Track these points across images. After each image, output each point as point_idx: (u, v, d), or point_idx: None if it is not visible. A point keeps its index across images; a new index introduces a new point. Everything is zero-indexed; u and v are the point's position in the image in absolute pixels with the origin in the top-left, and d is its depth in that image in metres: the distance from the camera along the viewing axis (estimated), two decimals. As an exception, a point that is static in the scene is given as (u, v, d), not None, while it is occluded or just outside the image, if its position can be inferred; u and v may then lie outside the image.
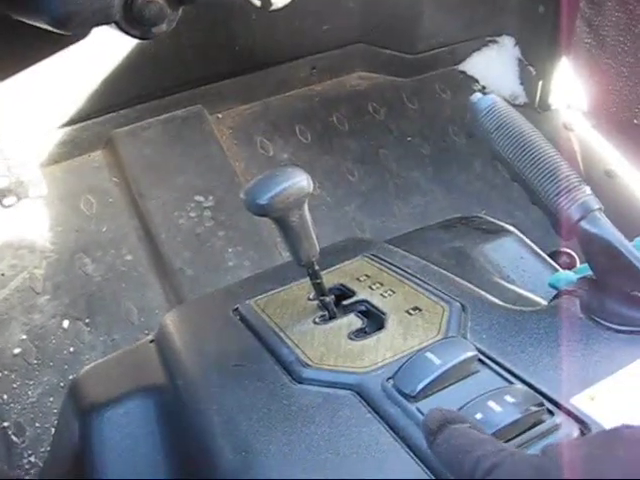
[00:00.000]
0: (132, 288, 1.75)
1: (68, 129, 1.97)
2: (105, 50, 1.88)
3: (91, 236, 1.84)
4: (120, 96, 2.00)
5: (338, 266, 0.88)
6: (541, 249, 1.06)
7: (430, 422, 0.54)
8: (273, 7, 1.26)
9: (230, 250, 1.79)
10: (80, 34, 1.62)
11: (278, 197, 0.69)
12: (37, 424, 1.53)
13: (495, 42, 2.31)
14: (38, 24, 1.14)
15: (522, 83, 2.25)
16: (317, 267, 0.78)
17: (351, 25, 2.22)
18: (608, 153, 2.06)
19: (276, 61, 2.17)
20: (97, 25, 1.13)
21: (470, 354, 0.66)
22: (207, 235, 1.82)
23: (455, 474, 0.50)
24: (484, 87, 2.25)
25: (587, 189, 0.71)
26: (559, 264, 1.09)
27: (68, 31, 1.13)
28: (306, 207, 0.72)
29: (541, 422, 0.59)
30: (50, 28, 1.10)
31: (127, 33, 1.14)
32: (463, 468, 0.49)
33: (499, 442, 0.51)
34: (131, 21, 1.09)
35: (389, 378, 0.66)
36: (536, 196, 0.74)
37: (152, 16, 1.10)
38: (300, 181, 0.71)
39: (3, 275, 1.76)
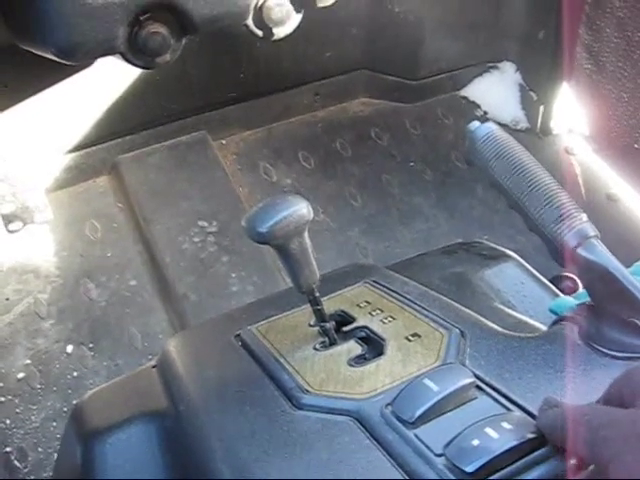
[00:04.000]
0: (136, 313, 1.76)
1: (74, 155, 1.99)
2: (110, 77, 1.90)
3: (96, 261, 1.85)
4: (125, 122, 2.02)
5: (339, 292, 0.88)
6: (543, 274, 1.07)
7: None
8: (275, 37, 1.28)
9: (234, 275, 1.80)
10: (85, 63, 1.64)
11: (278, 225, 0.70)
12: (40, 449, 1.53)
13: (496, 68, 2.34)
14: (44, 54, 1.16)
15: (523, 108, 2.27)
16: (317, 294, 0.78)
17: (354, 52, 2.24)
18: (609, 177, 2.07)
19: (280, 87, 2.19)
20: (102, 56, 1.15)
21: (468, 381, 0.66)
22: (211, 260, 1.83)
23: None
24: (486, 112, 2.27)
25: (584, 216, 0.72)
26: (562, 289, 1.10)
27: (73, 61, 1.14)
28: (306, 234, 0.73)
29: (538, 449, 0.59)
30: (55, 58, 1.12)
31: (131, 63, 1.16)
32: None
33: None
34: (135, 52, 1.11)
35: (388, 404, 0.67)
36: (533, 223, 0.75)
37: (156, 47, 1.11)
38: (300, 209, 0.72)
39: (8, 300, 1.77)
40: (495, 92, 2.30)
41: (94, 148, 2.01)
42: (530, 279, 1.05)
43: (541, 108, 2.21)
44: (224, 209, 1.93)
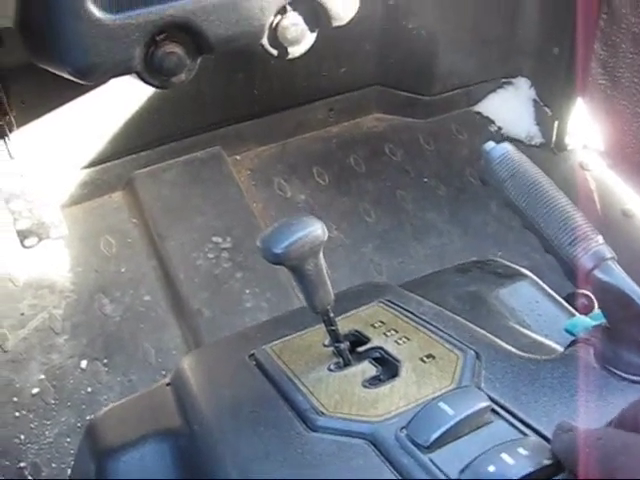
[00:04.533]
0: (150, 329, 1.76)
1: (89, 171, 2.00)
2: (126, 93, 1.92)
3: (110, 276, 1.86)
4: (140, 138, 2.03)
5: (353, 312, 0.88)
6: (558, 292, 1.06)
7: None
8: (290, 56, 1.29)
9: (248, 291, 1.80)
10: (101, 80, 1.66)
11: (293, 246, 0.70)
12: (54, 464, 1.54)
13: (510, 83, 2.33)
14: (61, 74, 1.17)
15: (538, 124, 2.26)
16: (332, 314, 0.78)
17: (368, 68, 2.25)
18: (625, 193, 2.06)
19: (293, 103, 2.20)
20: (118, 75, 1.16)
21: (483, 404, 0.66)
22: (225, 276, 1.83)
23: None
24: (500, 128, 2.27)
25: (600, 238, 0.72)
26: (577, 306, 1.09)
27: (89, 81, 1.15)
28: (321, 255, 0.73)
29: (554, 476, 0.59)
30: (72, 78, 1.13)
31: (147, 82, 1.17)
32: None
33: None
34: (151, 71, 1.12)
35: (403, 428, 0.67)
36: (549, 244, 0.75)
37: (172, 66, 1.12)
38: (315, 230, 0.72)
39: (23, 315, 1.78)
40: (509, 108, 2.30)
41: (109, 164, 2.02)
42: (545, 298, 1.05)
43: (556, 123, 2.20)
44: (238, 225, 1.94)
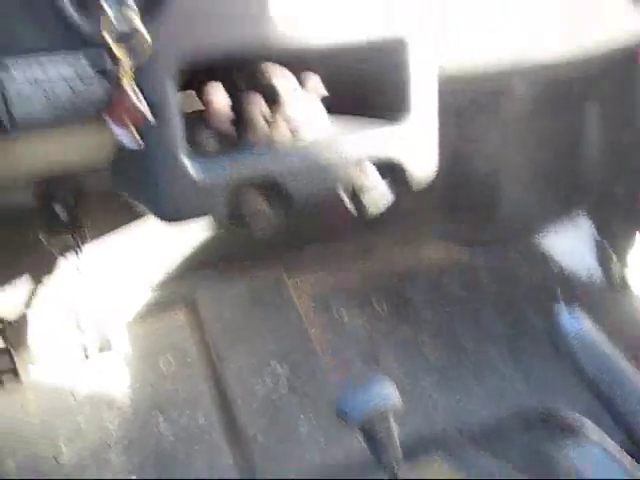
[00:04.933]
0: (203, 452, 1.76)
1: (153, 288, 2.05)
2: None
3: (167, 395, 1.88)
4: (204, 258, 2.08)
5: (415, 463, 0.88)
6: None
7: None
8: (368, 216, 1.33)
9: (303, 417, 1.80)
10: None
11: (370, 412, 0.72)
12: None
13: (572, 220, 2.34)
14: (144, 213, 1.23)
15: (600, 262, 2.25)
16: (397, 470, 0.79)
17: (430, 199, 2.28)
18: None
19: (356, 231, 2.23)
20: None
21: None
22: (281, 403, 1.83)
23: None
24: (561, 265, 2.26)
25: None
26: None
27: (170, 222, 1.19)
28: (392, 418, 0.75)
29: None
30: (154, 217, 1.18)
31: (226, 227, 1.21)
32: None
33: None
34: (232, 219, 1.16)
35: None
36: (621, 417, 0.74)
37: (253, 218, 1.16)
38: (390, 396, 0.73)
39: (80, 428, 1.79)
40: (571, 245, 2.30)
41: (173, 282, 2.06)
42: (610, 456, 1.02)
43: (618, 262, 2.19)
44: (296, 350, 1.96)
